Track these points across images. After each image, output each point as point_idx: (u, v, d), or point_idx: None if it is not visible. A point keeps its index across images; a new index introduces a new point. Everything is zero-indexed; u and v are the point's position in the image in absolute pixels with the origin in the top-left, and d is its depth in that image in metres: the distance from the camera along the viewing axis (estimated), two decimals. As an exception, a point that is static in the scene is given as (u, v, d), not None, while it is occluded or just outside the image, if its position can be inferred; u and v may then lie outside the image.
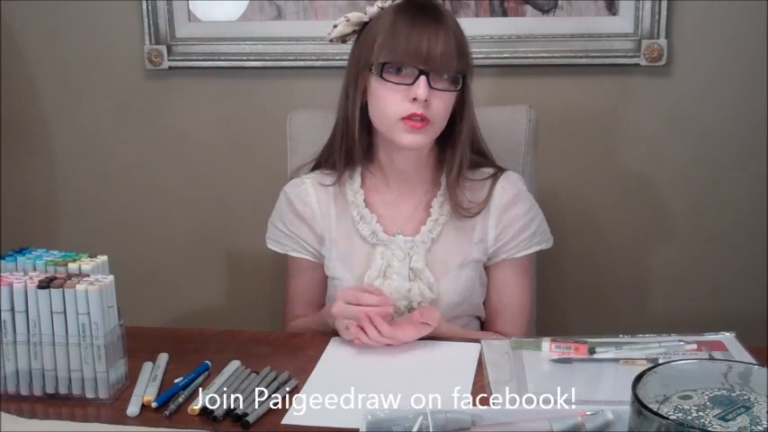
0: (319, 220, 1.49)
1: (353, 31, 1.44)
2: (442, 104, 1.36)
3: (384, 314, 1.29)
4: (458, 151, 1.42)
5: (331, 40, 1.46)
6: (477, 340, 1.32)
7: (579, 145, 1.91)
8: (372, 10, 1.41)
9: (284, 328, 1.55)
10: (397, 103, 1.35)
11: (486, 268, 1.49)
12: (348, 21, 1.43)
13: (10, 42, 2.08)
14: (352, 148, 1.44)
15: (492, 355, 1.26)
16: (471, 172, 1.46)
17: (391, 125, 1.37)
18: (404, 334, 1.30)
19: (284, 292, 1.59)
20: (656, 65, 1.82)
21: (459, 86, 1.38)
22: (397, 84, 1.35)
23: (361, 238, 1.46)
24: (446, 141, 1.44)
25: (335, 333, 1.35)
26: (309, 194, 1.50)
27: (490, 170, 1.49)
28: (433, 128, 1.38)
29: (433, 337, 1.32)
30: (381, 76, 1.36)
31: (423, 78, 1.33)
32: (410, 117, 1.34)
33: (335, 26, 1.44)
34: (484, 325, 1.53)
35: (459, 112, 1.42)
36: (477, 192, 1.46)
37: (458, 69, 1.37)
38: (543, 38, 1.85)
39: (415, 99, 1.33)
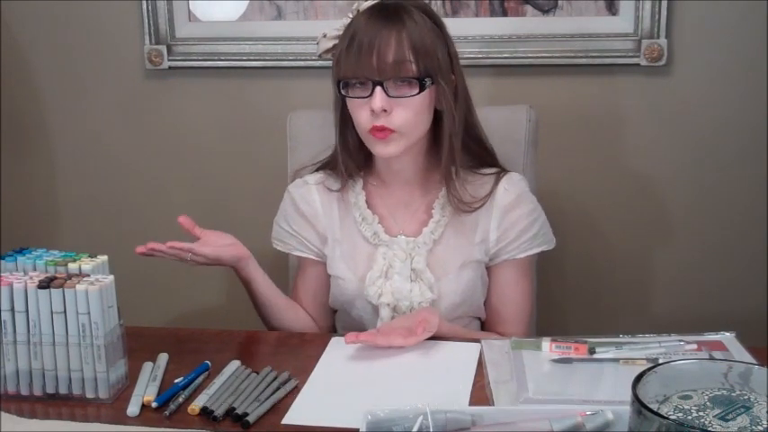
0: (322, 219, 1.49)
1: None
2: (406, 111, 1.35)
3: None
4: (444, 149, 1.41)
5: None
6: (477, 340, 1.32)
7: (579, 145, 1.90)
8: (345, 21, 1.40)
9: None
10: (363, 117, 1.36)
11: (488, 268, 1.49)
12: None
13: (10, 42, 2.08)
14: (348, 156, 1.45)
15: (492, 354, 1.26)
16: (475, 169, 1.46)
17: (365, 137, 1.39)
18: (401, 340, 1.29)
19: (291, 291, 1.59)
20: (656, 65, 1.81)
21: (424, 89, 1.35)
22: (359, 98, 1.36)
23: (363, 238, 1.46)
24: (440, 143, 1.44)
25: (336, 333, 1.35)
26: (313, 194, 1.50)
27: (493, 169, 1.48)
28: (403, 136, 1.36)
29: (433, 337, 1.32)
30: (343, 93, 1.37)
31: (378, 89, 1.33)
32: (373, 129, 1.35)
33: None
34: (483, 325, 1.52)
35: (442, 113, 1.40)
36: (479, 188, 1.46)
37: (417, 73, 1.34)
38: (543, 38, 1.85)
39: (373, 111, 1.33)
